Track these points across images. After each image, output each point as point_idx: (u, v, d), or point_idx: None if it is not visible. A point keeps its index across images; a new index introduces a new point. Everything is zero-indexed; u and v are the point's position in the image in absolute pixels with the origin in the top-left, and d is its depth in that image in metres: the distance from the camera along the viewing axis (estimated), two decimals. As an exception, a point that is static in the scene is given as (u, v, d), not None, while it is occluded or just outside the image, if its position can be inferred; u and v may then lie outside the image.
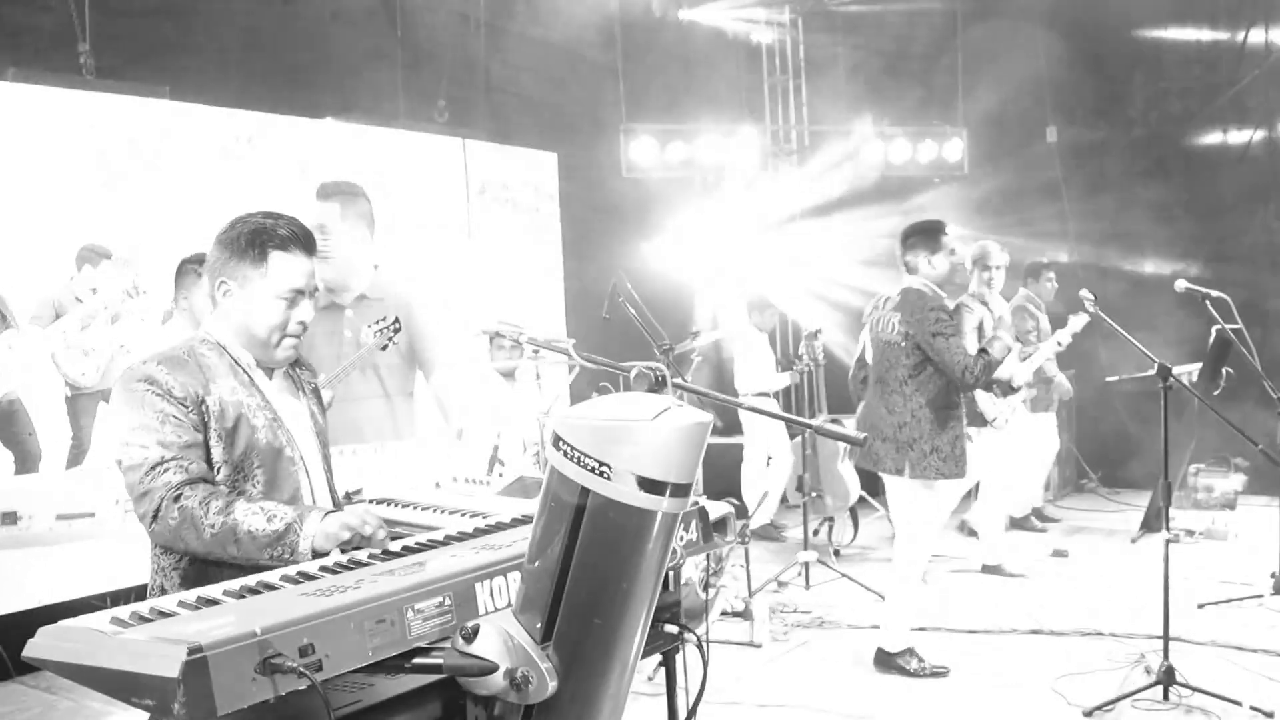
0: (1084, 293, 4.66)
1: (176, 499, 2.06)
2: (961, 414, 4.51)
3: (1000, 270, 5.74)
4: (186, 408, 2.14)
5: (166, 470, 2.08)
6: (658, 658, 2.27)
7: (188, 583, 2.16)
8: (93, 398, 5.20)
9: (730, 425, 7.97)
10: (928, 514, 4.50)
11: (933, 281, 4.49)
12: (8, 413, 4.97)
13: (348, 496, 2.83)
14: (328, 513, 2.09)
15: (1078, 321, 5.55)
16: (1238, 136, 8.31)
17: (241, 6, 6.05)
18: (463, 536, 2.10)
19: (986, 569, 6.15)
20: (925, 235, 4.50)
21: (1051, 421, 7.06)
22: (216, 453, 2.18)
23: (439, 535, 2.13)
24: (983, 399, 5.62)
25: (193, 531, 2.04)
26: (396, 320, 4.34)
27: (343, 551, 2.02)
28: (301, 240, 2.27)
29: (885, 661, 4.57)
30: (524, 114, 7.83)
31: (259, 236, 2.23)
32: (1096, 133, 8.91)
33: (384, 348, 4.42)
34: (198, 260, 4.03)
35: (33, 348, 4.99)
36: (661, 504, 1.54)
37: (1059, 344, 5.67)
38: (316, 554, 2.03)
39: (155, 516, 2.07)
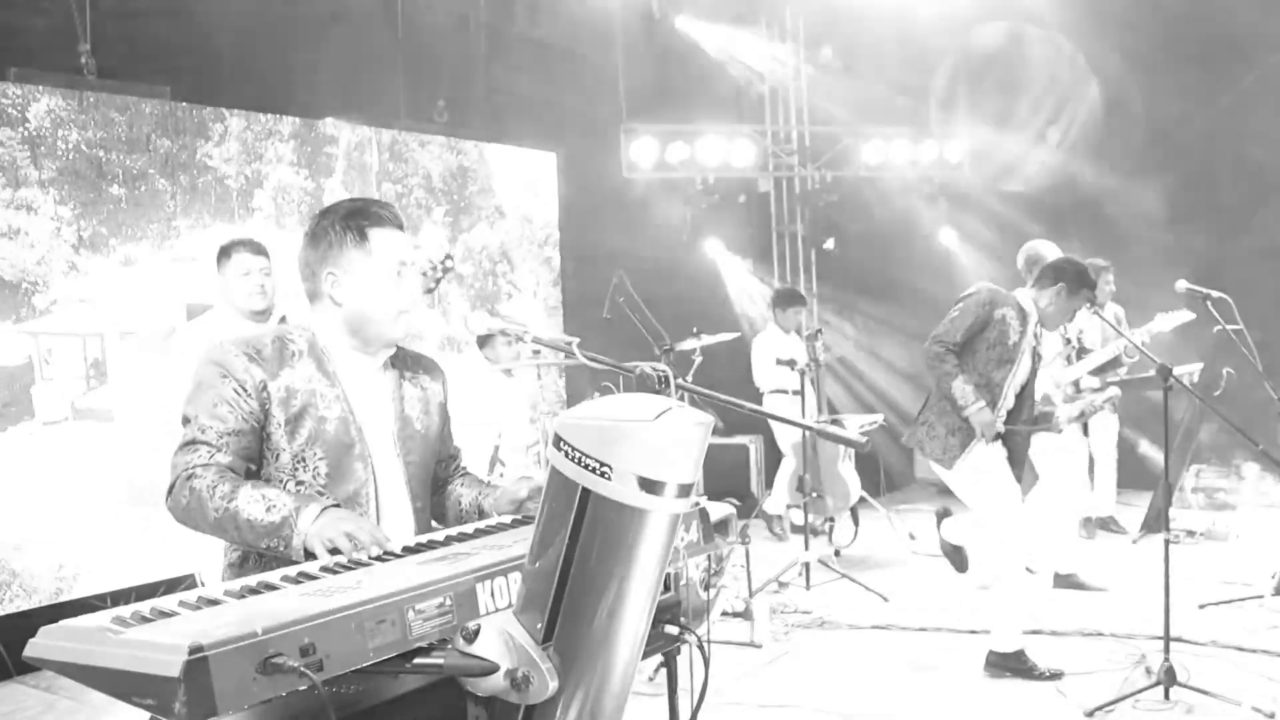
0: (1084, 293, 4.66)
1: (189, 478, 2.09)
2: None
3: None
4: (246, 392, 2.16)
5: (195, 451, 2.12)
6: (658, 658, 2.26)
7: (233, 569, 2.22)
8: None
9: (732, 425, 7.98)
10: (978, 499, 4.43)
11: (1042, 304, 4.45)
12: None
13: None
14: (325, 508, 2.08)
15: (1168, 320, 5.57)
16: (1237, 137, 8.31)
17: (241, 7, 6.04)
18: (463, 536, 2.10)
19: (1060, 579, 5.76)
20: (1059, 272, 4.45)
21: (1103, 415, 6.67)
22: (277, 438, 2.19)
23: (439, 535, 2.13)
24: (1059, 402, 5.43)
25: (200, 513, 2.08)
26: (449, 256, 4.11)
27: (332, 554, 2.01)
28: (394, 215, 2.30)
29: (998, 664, 4.47)
30: (524, 114, 7.84)
31: (354, 219, 2.25)
32: (1098, 133, 8.92)
33: (430, 290, 4.18)
34: (230, 245, 4.08)
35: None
36: (662, 505, 1.53)
37: (1145, 339, 5.54)
38: (307, 551, 2.03)
39: (170, 492, 2.12)
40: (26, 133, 4.80)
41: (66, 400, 4.84)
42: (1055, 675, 4.38)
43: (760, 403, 7.07)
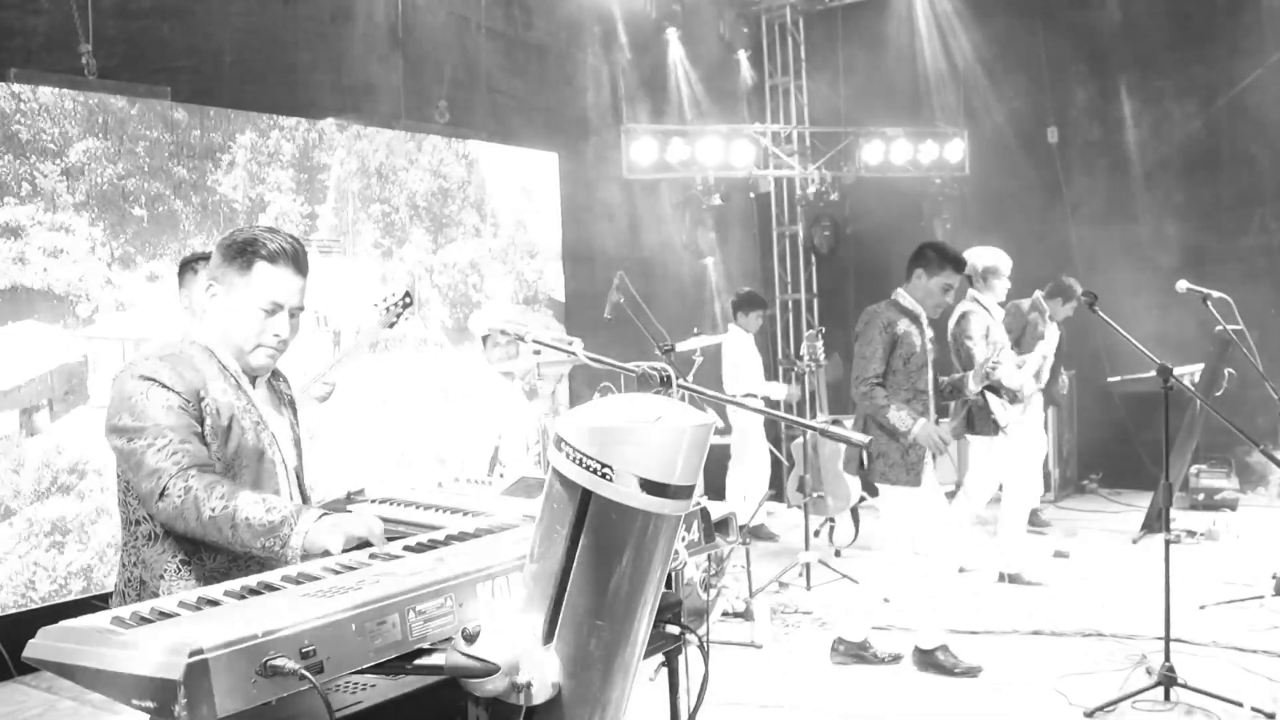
0: (1083, 294, 4.65)
1: (185, 478, 2.09)
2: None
3: (1006, 279, 5.70)
4: (188, 402, 2.19)
5: (176, 452, 2.12)
6: (659, 658, 2.27)
7: (122, 595, 2.24)
8: None
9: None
10: (902, 513, 4.54)
11: (915, 296, 4.56)
12: None
13: (349, 496, 2.82)
14: (324, 514, 2.08)
15: (1048, 344, 5.74)
16: (1236, 137, 8.31)
17: (241, 7, 6.05)
18: (464, 537, 2.10)
19: (1004, 577, 5.95)
20: (916, 258, 4.56)
21: (1038, 422, 6.92)
22: (215, 448, 2.22)
23: (440, 536, 2.13)
24: (995, 404, 5.54)
25: (194, 511, 2.07)
26: (407, 294, 4.09)
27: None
28: (291, 256, 2.29)
29: (849, 651, 4.69)
30: (524, 114, 7.84)
31: (249, 246, 2.27)
32: (1097, 133, 8.92)
33: (391, 325, 4.14)
34: (197, 259, 3.99)
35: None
36: (664, 505, 1.53)
37: (1044, 356, 5.67)
38: (306, 553, 2.03)
39: (162, 494, 2.10)
40: (66, 164, 5.19)
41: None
42: (894, 659, 4.64)
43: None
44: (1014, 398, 5.58)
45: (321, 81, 6.45)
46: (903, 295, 4.60)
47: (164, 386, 2.17)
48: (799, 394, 7.48)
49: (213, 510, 2.05)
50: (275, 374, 2.52)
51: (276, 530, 2.03)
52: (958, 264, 4.56)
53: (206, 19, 5.85)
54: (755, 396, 7.36)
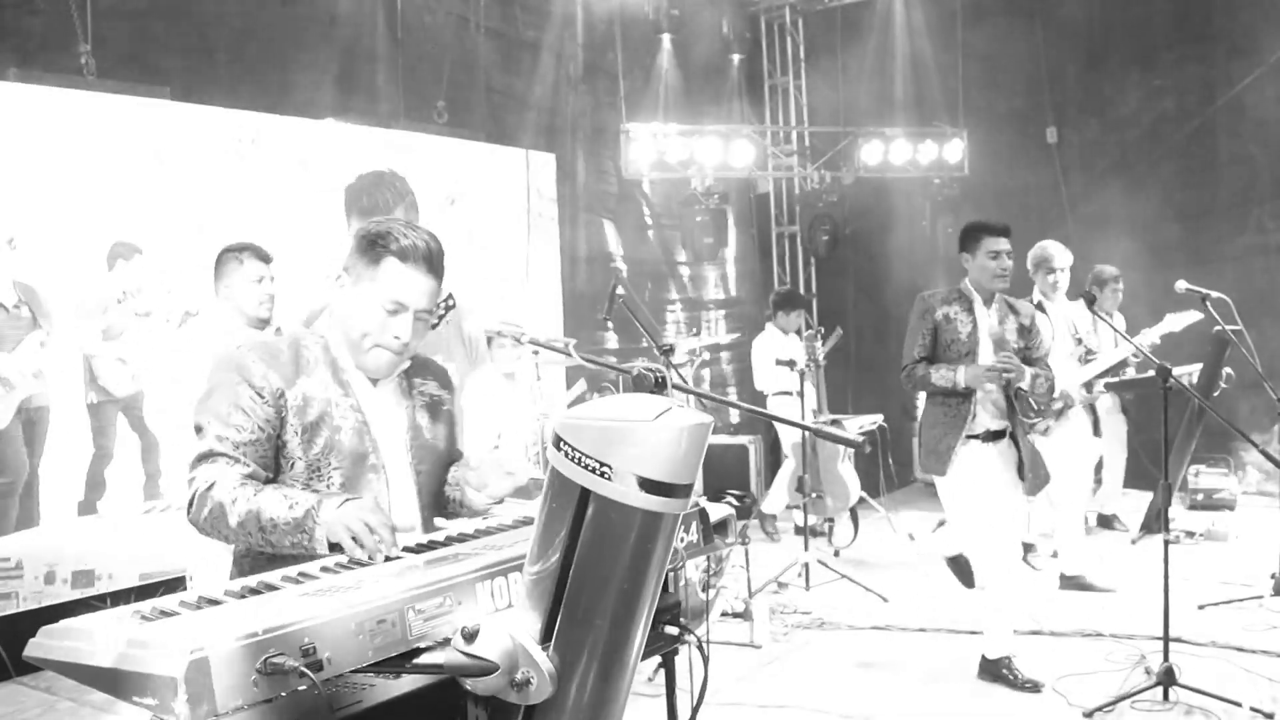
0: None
1: (210, 489, 2.08)
2: (956, 415, 4.32)
3: (1064, 272, 5.58)
4: (263, 399, 2.14)
5: (214, 463, 2.11)
6: (658, 659, 2.26)
7: (239, 566, 2.21)
8: (115, 405, 5.25)
9: (732, 425, 7.98)
10: (956, 506, 4.42)
11: (973, 280, 4.44)
12: (33, 420, 4.97)
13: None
14: (347, 499, 2.06)
15: (1178, 320, 5.59)
16: (1234, 137, 8.31)
17: (241, 7, 6.05)
18: (463, 537, 2.10)
19: (1066, 581, 5.78)
20: (960, 241, 4.46)
21: (1112, 415, 6.65)
22: (293, 446, 2.17)
23: (439, 535, 2.13)
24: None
25: (223, 520, 2.05)
26: (450, 297, 3.96)
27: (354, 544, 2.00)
28: (424, 255, 2.20)
29: (986, 669, 4.45)
30: (523, 115, 7.85)
31: (381, 239, 2.19)
32: (1095, 133, 8.92)
33: (433, 326, 4.12)
34: (239, 249, 3.96)
35: (68, 349, 5.11)
36: (663, 505, 1.53)
37: (1156, 341, 5.55)
38: (331, 545, 2.01)
39: (190, 506, 2.10)
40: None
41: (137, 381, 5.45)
42: (1034, 687, 4.29)
43: (764, 405, 7.05)
44: (1045, 406, 5.45)
45: (320, 82, 6.45)
46: (965, 282, 4.48)
47: (244, 380, 2.14)
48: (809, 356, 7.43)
49: (240, 515, 2.03)
50: (426, 367, 2.42)
51: (301, 525, 2.01)
52: (990, 228, 4.38)
53: (204, 19, 5.86)
54: (791, 394, 7.32)
